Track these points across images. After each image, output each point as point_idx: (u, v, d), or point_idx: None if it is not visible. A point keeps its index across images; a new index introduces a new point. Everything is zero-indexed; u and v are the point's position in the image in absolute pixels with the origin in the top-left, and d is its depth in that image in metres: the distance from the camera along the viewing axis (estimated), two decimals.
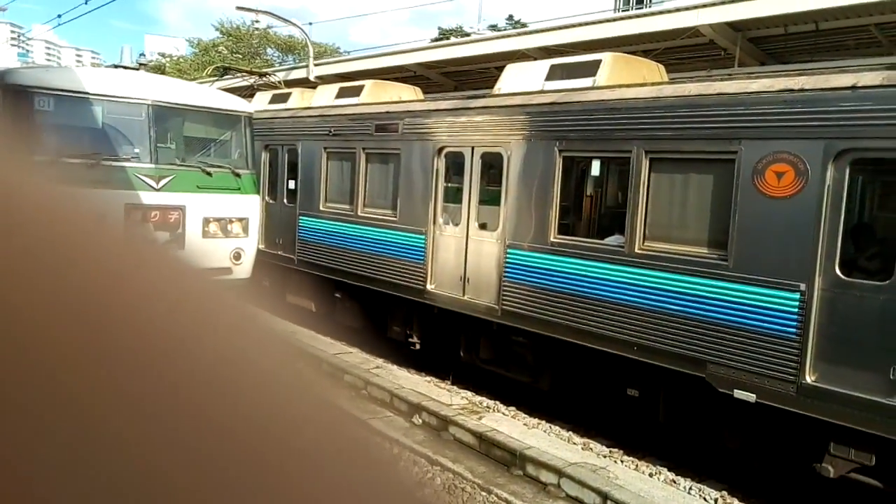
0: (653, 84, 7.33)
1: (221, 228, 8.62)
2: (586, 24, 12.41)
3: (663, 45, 11.08)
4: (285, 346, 0.33)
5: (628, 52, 9.15)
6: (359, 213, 10.09)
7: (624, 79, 7.68)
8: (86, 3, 19.40)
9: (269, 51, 37.35)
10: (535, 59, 10.53)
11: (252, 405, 0.28)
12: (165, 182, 8.08)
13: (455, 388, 8.45)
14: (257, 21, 33.29)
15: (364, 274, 9.93)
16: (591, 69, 7.99)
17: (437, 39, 32.89)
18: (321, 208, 10.85)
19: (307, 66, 18.22)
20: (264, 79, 15.64)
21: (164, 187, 8.07)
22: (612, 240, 7.02)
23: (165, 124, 8.43)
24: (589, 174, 7.81)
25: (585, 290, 7.03)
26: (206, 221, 8.44)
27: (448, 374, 9.11)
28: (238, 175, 8.82)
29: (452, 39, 20.44)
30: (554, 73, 8.36)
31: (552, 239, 7.37)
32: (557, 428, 7.34)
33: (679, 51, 11.37)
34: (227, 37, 36.94)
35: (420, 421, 7.29)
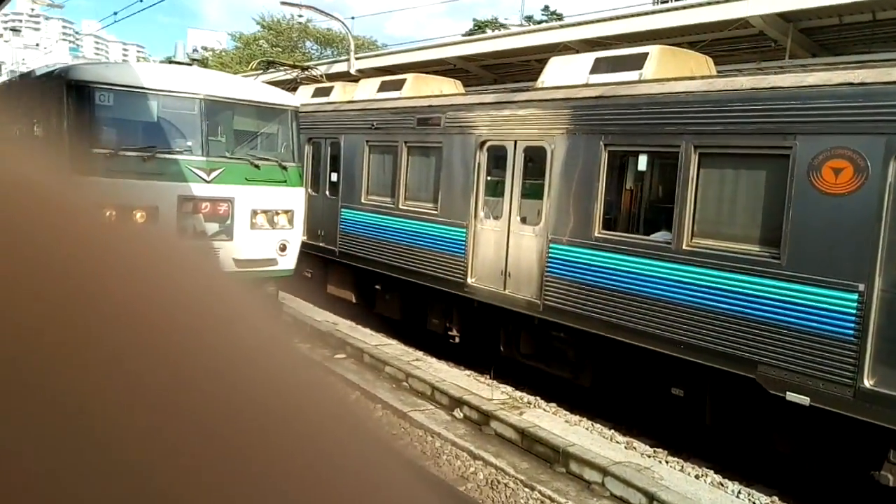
0: (702, 77, 7.16)
1: (268, 220, 8.78)
2: (630, 15, 12.18)
3: (710, 37, 10.79)
4: (295, 343, 0.32)
5: (673, 45, 8.96)
6: (400, 206, 10.15)
7: (671, 72, 7.53)
8: (140, 1, 19.92)
9: (307, 44, 37.79)
10: (577, 51, 10.39)
11: (271, 404, 0.26)
12: (216, 174, 8.28)
13: (495, 382, 8.46)
14: (300, 15, 33.69)
15: (405, 266, 10.00)
16: (637, 62, 7.85)
17: (471, 31, 32.72)
18: (363, 201, 10.95)
19: (348, 60, 18.38)
20: (307, 72, 15.84)
21: (215, 179, 8.27)
22: (659, 236, 6.91)
23: (216, 118, 8.62)
24: (635, 169, 7.69)
25: (630, 286, 6.94)
26: (254, 213, 8.61)
27: (488, 368, 9.12)
28: (284, 168, 8.96)
29: (493, 32, 20.31)
30: (599, 67, 8.25)
31: (596, 234, 7.30)
32: (599, 426, 7.28)
33: (726, 42, 11.06)
34: (267, 30, 37.53)
35: (461, 415, 7.32)
